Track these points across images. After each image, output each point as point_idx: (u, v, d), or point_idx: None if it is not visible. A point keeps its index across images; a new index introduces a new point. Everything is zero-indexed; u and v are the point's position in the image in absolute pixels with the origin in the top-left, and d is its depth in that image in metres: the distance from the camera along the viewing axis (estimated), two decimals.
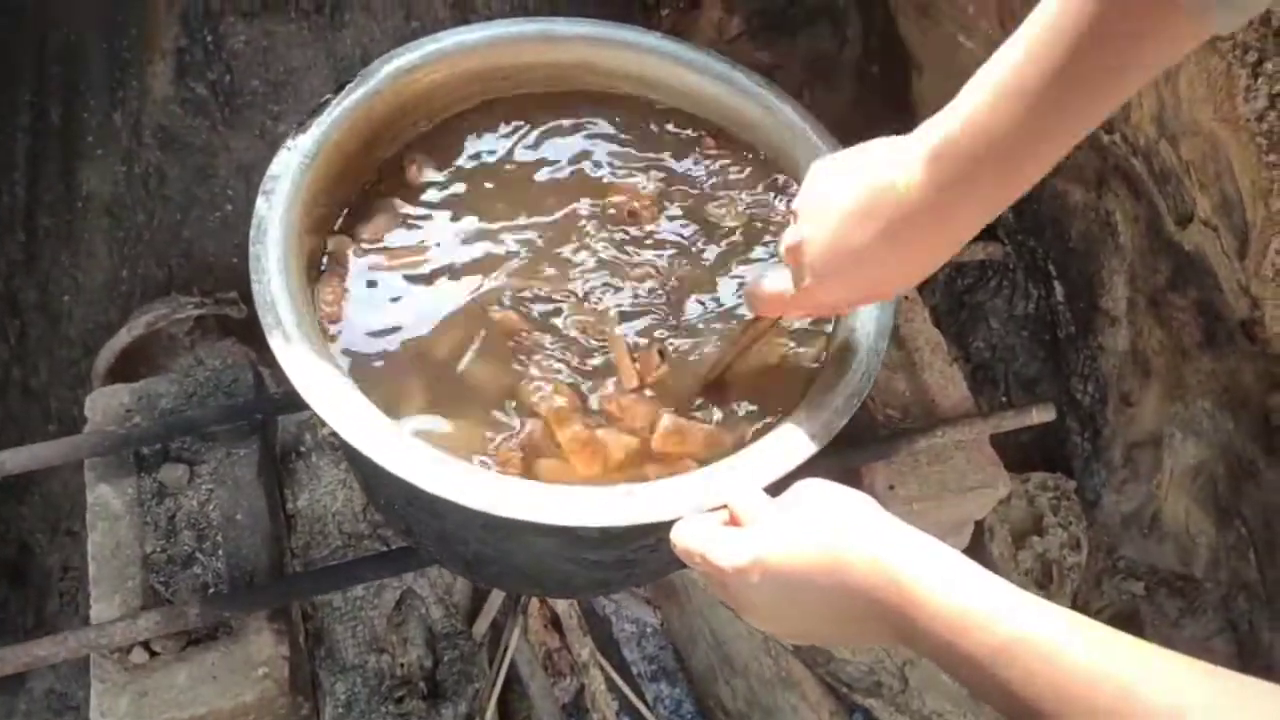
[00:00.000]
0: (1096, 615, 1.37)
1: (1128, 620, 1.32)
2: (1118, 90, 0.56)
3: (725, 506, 0.68)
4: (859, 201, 0.64)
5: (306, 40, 1.36)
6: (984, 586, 0.53)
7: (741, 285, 0.88)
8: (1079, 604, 1.36)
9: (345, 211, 0.89)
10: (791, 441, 0.75)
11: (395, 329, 0.82)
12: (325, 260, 0.86)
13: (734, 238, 0.92)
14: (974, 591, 0.52)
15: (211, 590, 0.92)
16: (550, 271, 0.87)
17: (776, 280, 0.74)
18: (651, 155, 0.97)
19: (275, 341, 0.73)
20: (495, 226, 0.89)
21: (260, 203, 0.80)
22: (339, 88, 0.89)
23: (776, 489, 0.67)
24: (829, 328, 0.86)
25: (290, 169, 0.82)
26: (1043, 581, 1.31)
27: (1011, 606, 0.51)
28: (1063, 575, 1.32)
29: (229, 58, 1.35)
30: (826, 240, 0.67)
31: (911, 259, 0.65)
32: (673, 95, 0.99)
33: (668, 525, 0.68)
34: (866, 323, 0.83)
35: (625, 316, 0.85)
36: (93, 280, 1.35)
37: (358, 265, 0.86)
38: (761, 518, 0.64)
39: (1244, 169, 1.02)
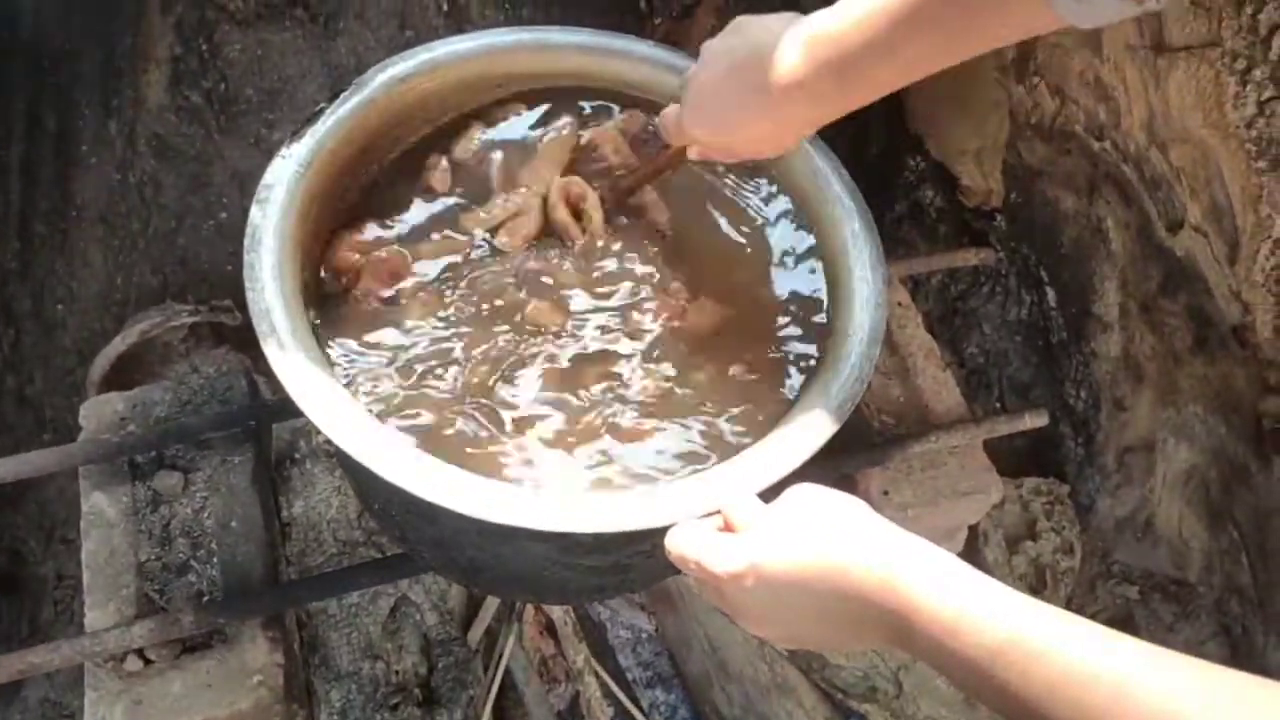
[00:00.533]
0: (1091, 619, 1.38)
1: (1122, 625, 1.33)
2: (965, 45, 0.65)
3: (719, 512, 0.68)
4: (739, 58, 0.73)
5: (301, 49, 1.37)
6: (979, 588, 0.53)
7: None
8: (1073, 608, 1.34)
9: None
10: (785, 447, 0.75)
11: None
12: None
13: None
14: (969, 593, 0.53)
15: (206, 598, 0.92)
16: None
17: (672, 113, 0.83)
18: None
19: (269, 349, 0.73)
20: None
21: (254, 211, 0.80)
22: (333, 96, 0.89)
23: (770, 494, 0.67)
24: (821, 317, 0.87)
25: (285, 177, 0.82)
26: (1036, 586, 1.31)
27: (1007, 608, 0.51)
28: (1056, 580, 1.32)
29: (224, 66, 1.35)
30: (704, 79, 0.77)
31: (778, 123, 0.74)
32: (665, 101, 1.00)
33: (662, 531, 0.68)
34: (859, 328, 0.83)
35: None
36: (87, 288, 1.35)
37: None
38: (755, 523, 0.64)
39: (1233, 175, 1.02)
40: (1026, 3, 0.59)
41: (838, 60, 0.67)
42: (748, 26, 0.75)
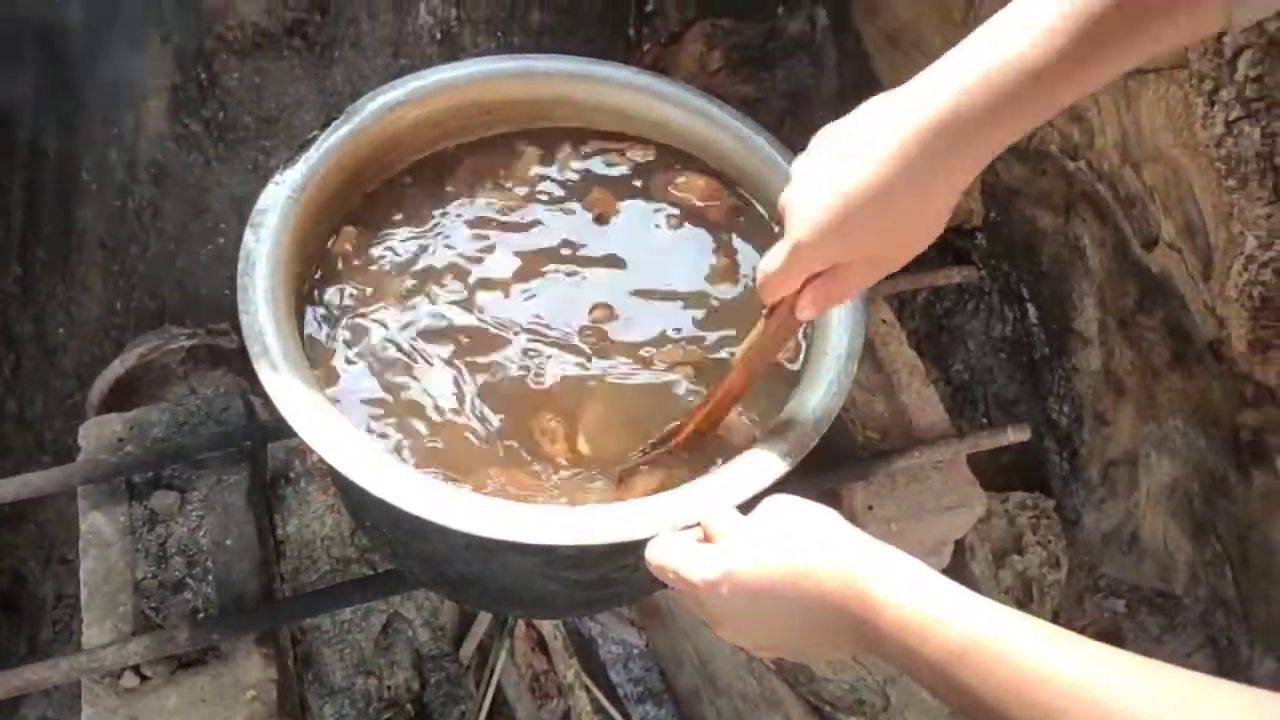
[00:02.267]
0: (1079, 633, 1.39)
1: (1110, 638, 1.33)
2: (1121, 60, 0.56)
3: (699, 524, 0.70)
4: (850, 148, 0.62)
5: (298, 77, 1.39)
6: (944, 593, 0.55)
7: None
8: (1061, 622, 1.36)
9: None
10: (764, 460, 0.77)
11: None
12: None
13: None
14: (933, 597, 0.54)
15: (201, 615, 0.94)
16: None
17: (775, 253, 0.68)
18: None
19: (262, 370, 0.75)
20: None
21: (248, 236, 0.82)
22: (325, 124, 0.91)
23: (749, 507, 0.69)
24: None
25: (278, 203, 0.85)
26: (1023, 600, 1.33)
27: (969, 611, 0.53)
28: (1043, 593, 1.33)
29: (222, 94, 1.37)
30: (816, 185, 0.63)
31: (932, 188, 0.61)
32: (651, 129, 1.02)
33: (645, 544, 0.70)
34: (838, 344, 0.85)
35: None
36: (87, 312, 1.37)
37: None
38: (732, 533, 0.66)
39: (1205, 193, 1.05)
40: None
41: (1005, 77, 0.56)
42: (841, 125, 0.65)
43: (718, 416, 0.81)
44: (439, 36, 1.43)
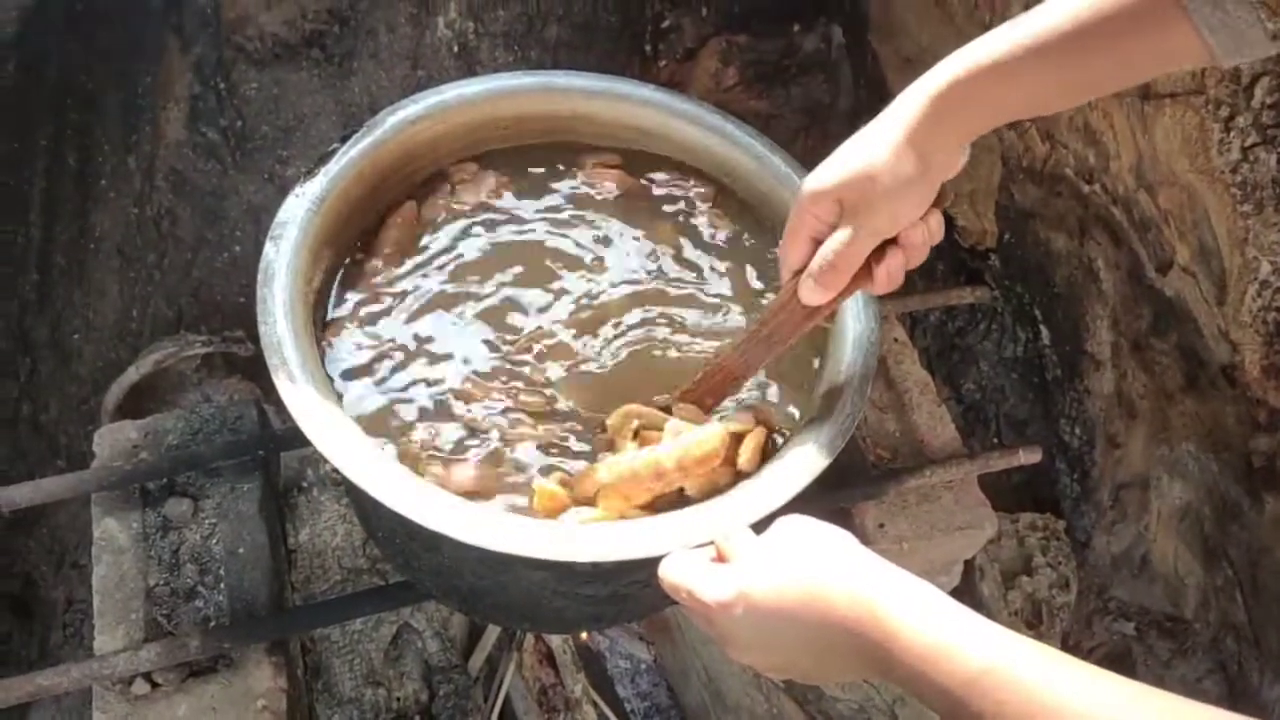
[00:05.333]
0: (1088, 655, 1.38)
1: (1119, 661, 1.33)
2: (1111, 79, 0.67)
3: (713, 543, 0.70)
4: (878, 122, 0.70)
5: (316, 88, 1.40)
6: (957, 619, 0.55)
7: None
8: (1070, 644, 1.37)
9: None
10: (778, 481, 0.77)
11: None
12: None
13: None
14: (947, 624, 0.54)
15: (213, 623, 0.94)
16: None
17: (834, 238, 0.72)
18: None
19: (280, 380, 0.76)
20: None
21: (268, 247, 0.83)
22: (345, 137, 0.92)
23: (763, 526, 0.69)
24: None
25: (298, 215, 0.85)
26: (1032, 621, 1.32)
27: (983, 638, 0.53)
28: (1052, 615, 1.33)
29: (241, 104, 1.39)
30: (855, 160, 0.70)
31: (939, 137, 0.69)
32: (667, 145, 1.03)
33: (658, 561, 0.70)
34: (852, 366, 0.85)
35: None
36: (103, 319, 1.38)
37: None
38: (746, 554, 0.66)
39: (1220, 218, 1.05)
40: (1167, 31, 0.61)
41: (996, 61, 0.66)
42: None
43: (711, 399, 0.84)
44: (457, 50, 1.44)
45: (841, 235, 0.72)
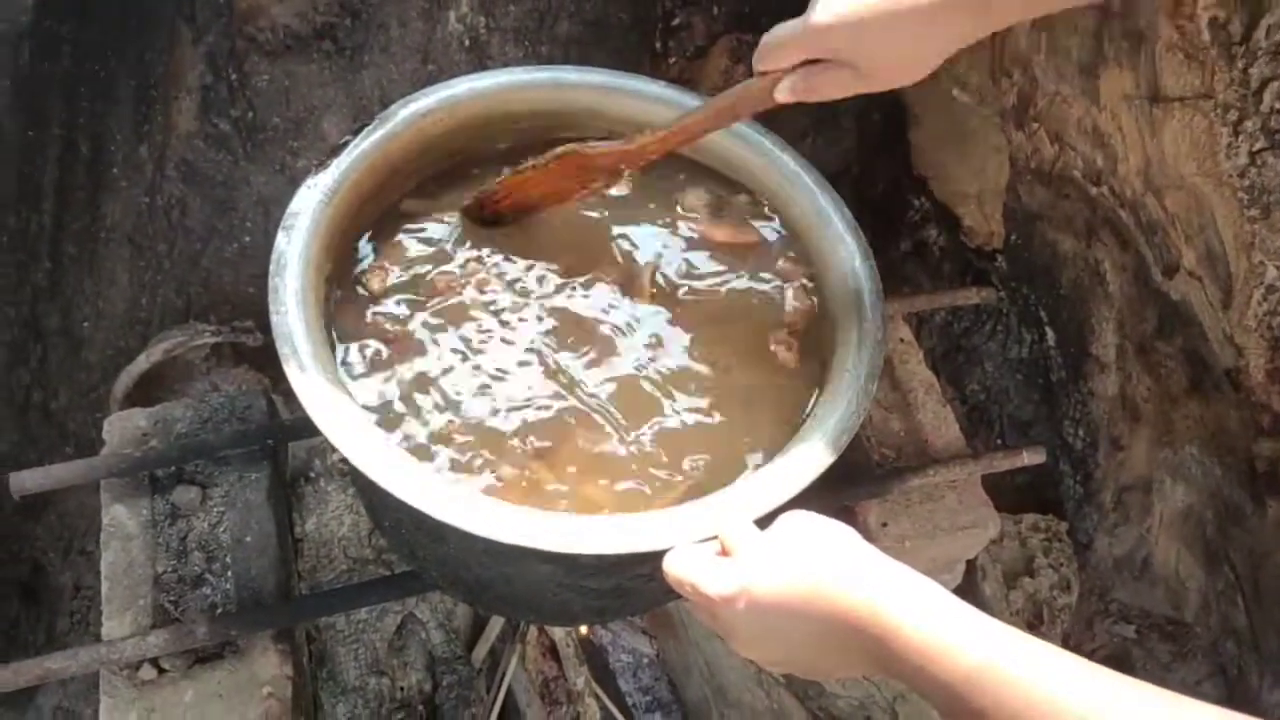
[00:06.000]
0: (1088, 657, 1.38)
1: (1119, 663, 1.34)
2: None
3: (716, 537, 0.71)
4: None
5: (327, 80, 1.41)
6: (957, 615, 0.55)
7: None
8: (1071, 645, 1.37)
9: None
10: (782, 477, 0.77)
11: None
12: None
13: None
14: (948, 620, 0.55)
15: (220, 610, 0.95)
16: None
17: (787, 26, 0.74)
18: None
19: (291, 370, 0.76)
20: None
21: (281, 238, 0.84)
22: (358, 129, 0.93)
23: (767, 522, 0.70)
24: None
25: (310, 206, 0.86)
26: (1033, 622, 1.33)
27: (983, 635, 0.54)
28: (1053, 616, 1.33)
29: (252, 95, 1.39)
30: (895, 41, 0.70)
31: (910, 44, 0.70)
32: None
33: (662, 554, 0.71)
34: (857, 364, 0.86)
35: None
36: (114, 307, 1.39)
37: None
38: (749, 549, 0.67)
39: (1226, 223, 1.05)
40: None
41: None
42: None
43: (668, 148, 0.86)
44: (468, 44, 1.44)
45: (839, 78, 0.74)
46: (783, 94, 0.76)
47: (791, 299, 0.94)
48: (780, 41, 0.75)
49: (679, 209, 1.01)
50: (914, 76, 0.72)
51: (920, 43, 0.70)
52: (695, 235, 0.99)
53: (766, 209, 1.01)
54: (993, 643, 0.53)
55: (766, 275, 0.97)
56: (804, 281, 0.96)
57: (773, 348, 0.91)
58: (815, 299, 0.95)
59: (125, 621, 0.94)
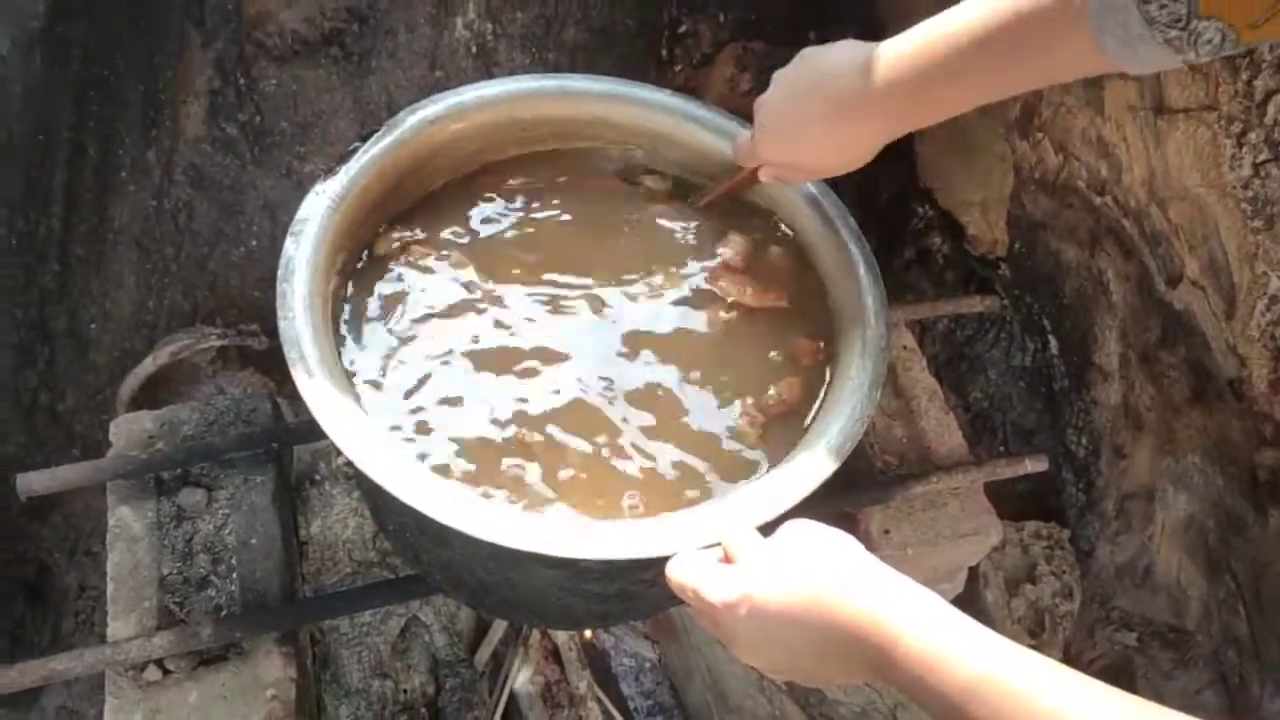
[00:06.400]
0: (1090, 665, 1.38)
1: (1120, 671, 1.34)
2: (1020, 79, 0.71)
3: (719, 544, 0.72)
4: (810, 80, 0.80)
5: (334, 85, 1.41)
6: (957, 627, 0.56)
7: None
8: (1072, 653, 1.37)
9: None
10: (786, 483, 0.78)
11: None
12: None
13: None
14: (948, 631, 0.55)
15: (224, 612, 0.95)
16: None
17: (748, 137, 0.91)
18: None
19: (298, 374, 0.77)
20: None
21: (289, 243, 0.84)
22: (365, 136, 0.93)
23: (770, 528, 0.70)
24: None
25: (318, 212, 0.87)
26: (1034, 629, 1.33)
27: (982, 647, 0.54)
28: (1055, 623, 1.33)
29: (260, 100, 1.40)
30: (780, 103, 0.83)
31: (845, 140, 0.80)
32: (681, 150, 1.04)
33: (666, 560, 0.71)
34: (861, 372, 0.86)
35: None
36: (121, 309, 1.39)
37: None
38: (752, 555, 0.67)
39: (1230, 233, 1.05)
40: (1075, 46, 0.63)
41: (908, 79, 0.73)
42: (816, 54, 0.81)
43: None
44: (475, 51, 1.45)
45: (794, 173, 0.90)
46: (766, 179, 0.93)
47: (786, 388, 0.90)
48: (742, 153, 0.93)
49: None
50: (852, 167, 0.83)
51: (843, 152, 0.82)
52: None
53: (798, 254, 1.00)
54: (992, 655, 0.53)
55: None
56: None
57: (741, 417, 0.87)
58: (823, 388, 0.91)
59: (130, 623, 0.94)
